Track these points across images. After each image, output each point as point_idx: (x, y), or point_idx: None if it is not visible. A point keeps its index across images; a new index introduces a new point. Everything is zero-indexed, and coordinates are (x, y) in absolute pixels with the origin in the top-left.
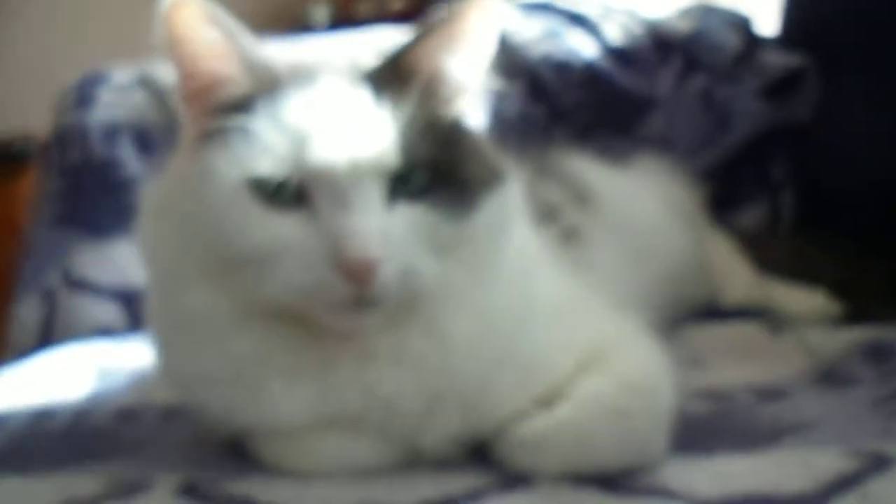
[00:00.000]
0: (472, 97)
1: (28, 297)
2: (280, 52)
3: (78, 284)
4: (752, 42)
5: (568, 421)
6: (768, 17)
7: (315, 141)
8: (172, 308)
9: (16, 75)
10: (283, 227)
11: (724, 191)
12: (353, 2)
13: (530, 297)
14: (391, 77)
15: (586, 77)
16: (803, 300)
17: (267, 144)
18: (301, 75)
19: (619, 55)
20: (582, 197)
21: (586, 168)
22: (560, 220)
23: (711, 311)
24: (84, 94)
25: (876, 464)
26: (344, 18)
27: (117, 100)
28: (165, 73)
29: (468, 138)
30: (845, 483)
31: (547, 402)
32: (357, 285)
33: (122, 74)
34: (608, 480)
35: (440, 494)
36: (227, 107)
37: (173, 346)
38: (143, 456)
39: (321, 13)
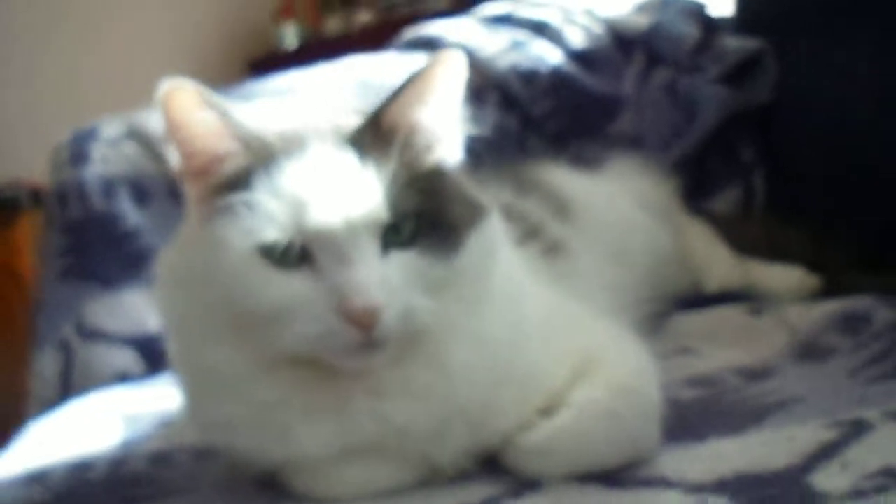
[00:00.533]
0: (448, 143)
1: (45, 350)
2: (269, 116)
3: (92, 334)
4: (710, 29)
5: (567, 427)
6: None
7: (311, 206)
8: (196, 364)
9: (6, 123)
10: (292, 286)
11: (698, 178)
12: (321, 20)
13: (521, 319)
14: (372, 137)
15: (554, 84)
16: (782, 277)
17: (269, 213)
18: (292, 145)
19: (584, 59)
20: (561, 209)
21: (562, 179)
22: (543, 236)
23: (696, 299)
24: (77, 150)
25: (855, 431)
26: (313, 37)
27: (110, 154)
28: (152, 123)
29: (449, 182)
30: (827, 453)
31: (547, 410)
32: (363, 331)
33: (111, 128)
34: (610, 476)
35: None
36: (229, 182)
37: (200, 399)
38: (183, 499)
39: (291, 33)
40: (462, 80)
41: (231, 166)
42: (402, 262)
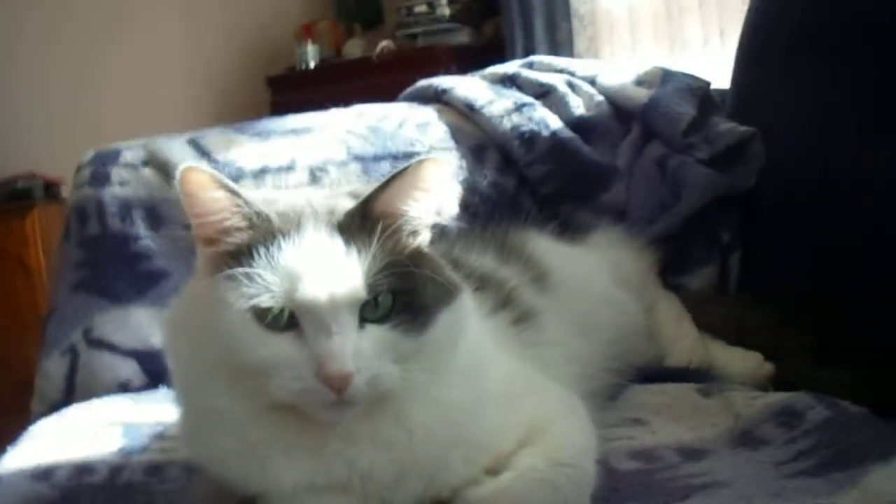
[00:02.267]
0: (428, 231)
1: (52, 354)
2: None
3: (98, 344)
4: (705, 109)
5: (508, 488)
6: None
7: (302, 281)
8: (195, 403)
9: (23, 118)
10: (279, 346)
11: (677, 255)
12: (342, 43)
13: (480, 389)
14: (360, 223)
15: (552, 149)
16: (740, 361)
17: (266, 284)
18: (290, 225)
19: (583, 127)
20: (539, 278)
21: (545, 249)
22: (515, 305)
23: (656, 372)
24: (99, 170)
25: None
26: (333, 58)
27: (129, 177)
28: (171, 151)
29: (426, 265)
30: None
31: (494, 469)
32: (335, 392)
33: (131, 153)
34: None
35: None
36: (233, 252)
37: (197, 432)
38: None
39: (311, 53)
40: (446, 179)
41: (236, 240)
42: (376, 335)
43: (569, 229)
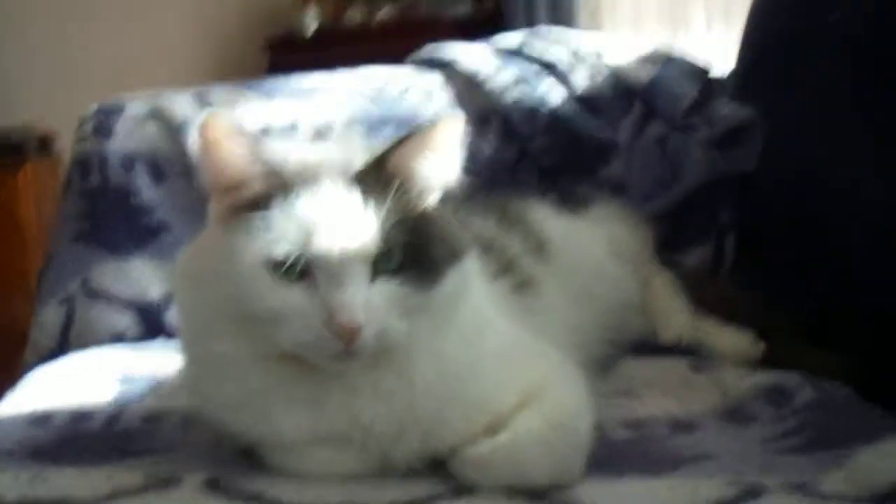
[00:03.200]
0: (440, 191)
1: (49, 303)
2: (290, 148)
3: (96, 295)
4: (707, 92)
5: (505, 447)
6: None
7: (318, 232)
8: (201, 349)
9: (18, 71)
10: (291, 297)
11: (673, 233)
12: (343, 9)
13: (481, 347)
14: (375, 178)
15: (553, 122)
16: (731, 340)
17: (281, 233)
18: (308, 178)
19: (585, 102)
20: (539, 247)
21: (545, 218)
22: (516, 272)
23: (648, 346)
24: (102, 123)
25: (751, 493)
26: (333, 25)
27: (133, 131)
28: (176, 106)
29: (436, 224)
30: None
31: (491, 429)
32: (344, 343)
33: (135, 106)
34: (535, 493)
35: (406, 497)
36: (250, 202)
37: (201, 379)
38: (171, 457)
39: (311, 19)
40: (459, 141)
41: (253, 189)
42: (386, 289)
43: (568, 201)
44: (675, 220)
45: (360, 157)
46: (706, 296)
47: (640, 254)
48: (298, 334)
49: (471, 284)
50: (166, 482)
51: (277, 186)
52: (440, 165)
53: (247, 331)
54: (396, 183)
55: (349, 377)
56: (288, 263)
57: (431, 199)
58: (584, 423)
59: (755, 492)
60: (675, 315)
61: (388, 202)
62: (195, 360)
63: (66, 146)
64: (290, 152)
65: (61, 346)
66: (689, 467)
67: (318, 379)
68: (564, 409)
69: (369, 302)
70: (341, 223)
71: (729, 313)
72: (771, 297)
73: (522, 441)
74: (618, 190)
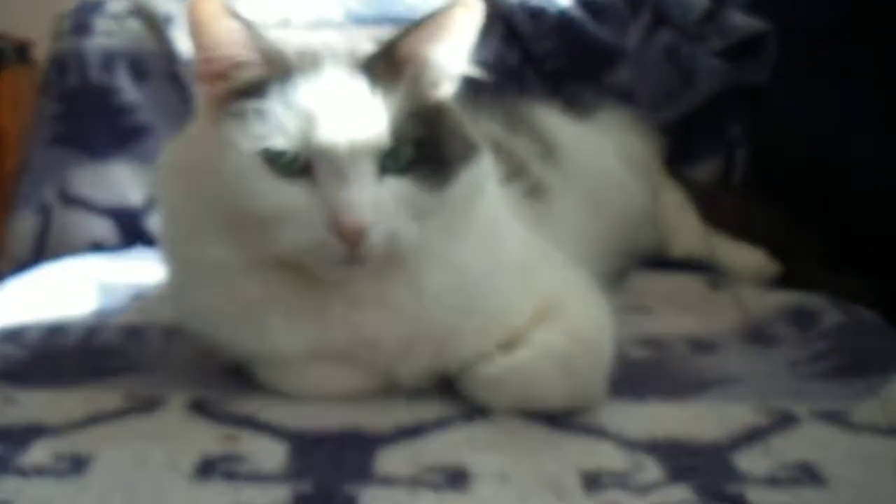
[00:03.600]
0: (453, 81)
1: (24, 210)
2: (288, 36)
3: (73, 201)
4: (719, 2)
5: (522, 365)
6: None
7: (321, 123)
8: (187, 253)
9: None
10: (290, 194)
11: (682, 144)
12: None
13: (497, 255)
14: (385, 65)
15: (559, 25)
16: (744, 258)
17: (279, 123)
18: (309, 63)
19: (592, 5)
20: (548, 152)
21: (553, 122)
22: (527, 177)
23: (659, 261)
24: (81, 20)
25: (782, 421)
26: None
27: (113, 28)
28: (158, 1)
29: (449, 118)
30: (752, 436)
31: (506, 345)
32: (349, 246)
33: (115, 3)
34: (553, 418)
35: (413, 420)
36: (244, 89)
37: (186, 287)
38: (153, 375)
39: None
40: (477, 25)
41: (248, 74)
42: (396, 187)
43: (573, 106)
44: (684, 131)
45: (365, 45)
46: (717, 211)
47: (650, 163)
48: (298, 237)
49: (485, 185)
50: (148, 404)
51: (275, 71)
52: (456, 53)
53: (239, 233)
54: (408, 71)
55: (353, 286)
56: (287, 157)
57: (445, 91)
58: (607, 340)
59: (786, 419)
60: (686, 229)
61: (399, 91)
62: (180, 266)
63: (44, 54)
64: (285, 39)
65: (37, 256)
66: (713, 390)
67: (319, 288)
68: (586, 324)
69: (377, 201)
70: (346, 113)
71: (741, 230)
72: (789, 216)
73: (541, 359)
74: (624, 98)
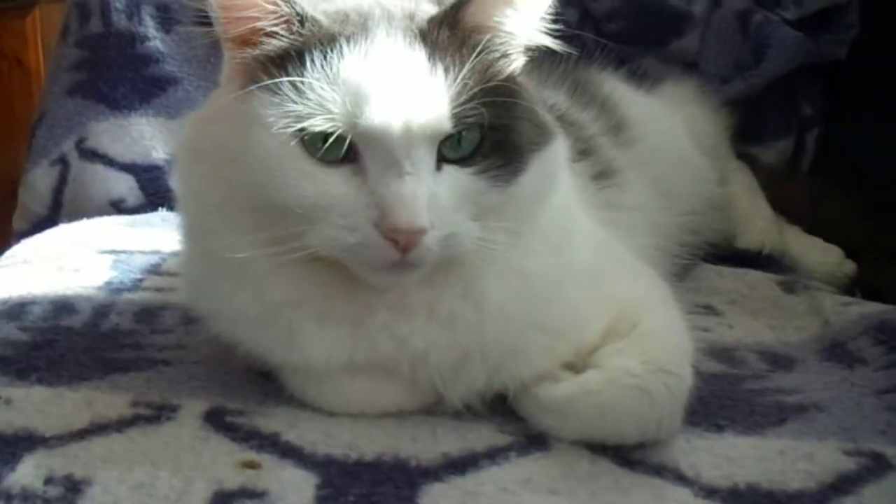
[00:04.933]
0: (522, 57)
1: (40, 163)
2: None
3: (91, 155)
4: None
5: (593, 391)
6: None
7: (371, 101)
8: (207, 246)
9: None
10: (331, 185)
11: (749, 123)
12: None
13: (566, 261)
14: (448, 34)
15: None
16: (819, 254)
17: (320, 101)
18: (356, 30)
19: None
20: (617, 128)
21: (623, 94)
22: (597, 156)
23: (727, 253)
24: None
25: (874, 467)
26: None
27: None
28: None
29: (521, 97)
30: (844, 487)
31: (572, 366)
32: (400, 251)
33: None
34: (621, 454)
35: (462, 450)
36: (277, 58)
37: (207, 284)
38: (166, 373)
39: None
40: None
41: (281, 42)
42: (456, 181)
43: (636, 75)
44: (754, 107)
45: (425, 7)
46: (787, 198)
47: (719, 143)
48: (339, 235)
49: (558, 178)
50: (157, 412)
51: (314, 39)
52: (529, 19)
53: (268, 226)
54: (474, 40)
55: (399, 292)
56: (328, 141)
57: (516, 66)
58: (687, 364)
59: (879, 465)
60: (757, 219)
61: (464, 65)
62: (200, 258)
63: None
64: None
65: (53, 213)
66: (795, 422)
67: (359, 291)
68: (666, 346)
69: (435, 197)
70: (401, 90)
71: (812, 221)
72: (866, 208)
73: (617, 386)
74: (689, 68)
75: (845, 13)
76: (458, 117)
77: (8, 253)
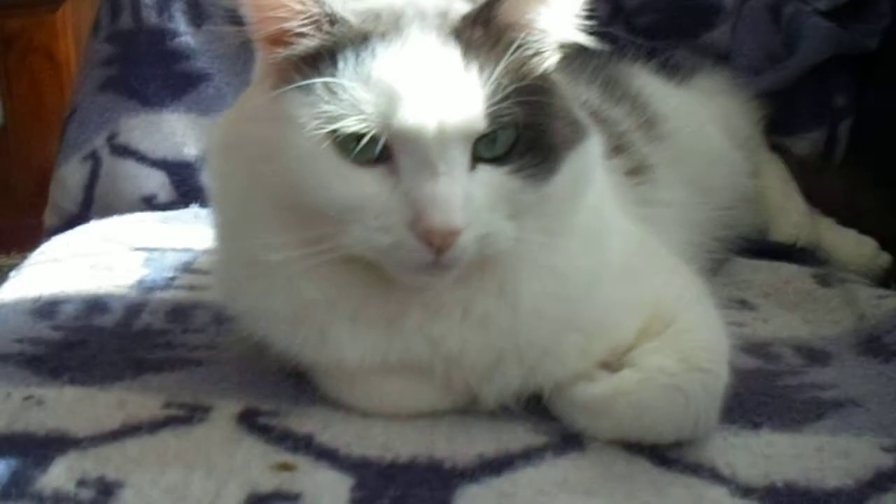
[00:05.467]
0: (556, 54)
1: (71, 159)
2: None
3: (123, 151)
4: None
5: (629, 391)
6: None
7: (405, 102)
8: (239, 244)
9: None
10: (365, 185)
11: (781, 114)
12: None
13: (602, 260)
14: (482, 32)
15: None
16: (854, 247)
17: (353, 101)
18: (389, 28)
19: None
20: (650, 123)
21: (655, 89)
22: (631, 152)
23: (761, 246)
24: None
25: None
26: None
27: None
28: None
29: (555, 95)
30: (883, 484)
31: (607, 364)
32: (435, 250)
33: None
34: (658, 453)
35: (497, 451)
36: (309, 58)
37: (239, 282)
38: (199, 373)
39: None
40: None
41: (313, 41)
42: (490, 181)
43: (666, 68)
44: (786, 99)
45: (459, 5)
46: (820, 190)
47: (753, 136)
48: (371, 236)
49: (592, 177)
50: (190, 414)
51: (346, 37)
52: (564, 16)
53: (301, 226)
54: (509, 38)
55: (434, 292)
56: (362, 142)
57: (550, 63)
58: (724, 362)
59: None
60: (790, 212)
61: (498, 63)
62: (231, 254)
63: None
64: None
65: (85, 209)
66: (832, 417)
67: (393, 292)
68: (702, 344)
69: (470, 197)
70: (435, 89)
71: (846, 213)
72: (893, 198)
73: (653, 385)
74: (720, 60)
75: (878, 3)
76: (492, 116)
77: (39, 250)
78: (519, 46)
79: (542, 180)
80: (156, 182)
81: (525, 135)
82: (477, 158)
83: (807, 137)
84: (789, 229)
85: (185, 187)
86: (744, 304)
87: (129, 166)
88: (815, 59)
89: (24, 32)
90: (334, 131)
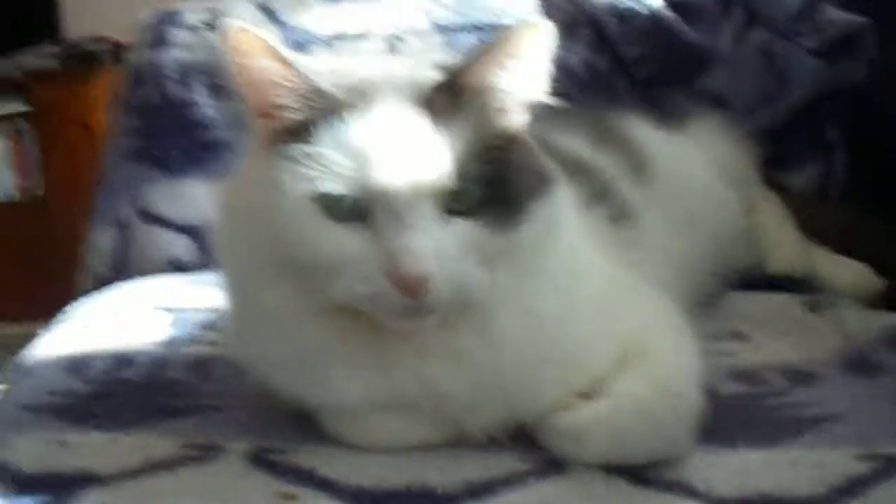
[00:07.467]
0: (522, 112)
1: (103, 226)
2: (337, 64)
3: (151, 218)
4: None
5: (604, 417)
6: None
7: (376, 164)
8: (244, 299)
9: None
10: (345, 240)
11: (776, 150)
12: None
13: (576, 298)
14: (448, 97)
15: (650, 27)
16: (846, 273)
17: (332, 166)
18: (359, 99)
19: (683, 6)
20: (638, 168)
21: (644, 134)
22: (613, 200)
23: (755, 279)
24: (159, 33)
25: (885, 468)
26: None
27: (191, 41)
28: (235, 13)
29: (519, 149)
30: (852, 489)
31: (587, 393)
32: (410, 298)
33: (192, 15)
34: (636, 473)
35: (483, 477)
36: (290, 130)
37: (248, 333)
38: (216, 418)
39: None
40: (549, 47)
41: (292, 116)
42: (461, 231)
43: (664, 115)
44: (779, 136)
45: (428, 74)
46: (816, 223)
47: (746, 175)
48: (355, 286)
49: (561, 222)
50: (204, 453)
51: (323, 109)
52: (523, 78)
53: (296, 279)
54: (473, 101)
55: (421, 336)
56: (339, 201)
57: (514, 121)
58: (694, 388)
59: (891, 466)
60: (785, 244)
61: (464, 125)
62: (239, 309)
63: None
64: (340, 70)
65: (115, 273)
66: (812, 433)
67: (384, 338)
68: (672, 371)
69: (441, 248)
70: (403, 152)
71: (842, 243)
72: (890, 228)
73: (625, 410)
74: (718, 102)
75: (862, 37)
76: (460, 173)
77: (71, 309)
78: (483, 108)
79: (510, 229)
80: (181, 246)
81: (492, 189)
82: (449, 212)
83: (802, 172)
84: (784, 261)
85: (208, 250)
86: (736, 335)
87: (156, 232)
88: (807, 95)
89: (59, 103)
90: (318, 194)
